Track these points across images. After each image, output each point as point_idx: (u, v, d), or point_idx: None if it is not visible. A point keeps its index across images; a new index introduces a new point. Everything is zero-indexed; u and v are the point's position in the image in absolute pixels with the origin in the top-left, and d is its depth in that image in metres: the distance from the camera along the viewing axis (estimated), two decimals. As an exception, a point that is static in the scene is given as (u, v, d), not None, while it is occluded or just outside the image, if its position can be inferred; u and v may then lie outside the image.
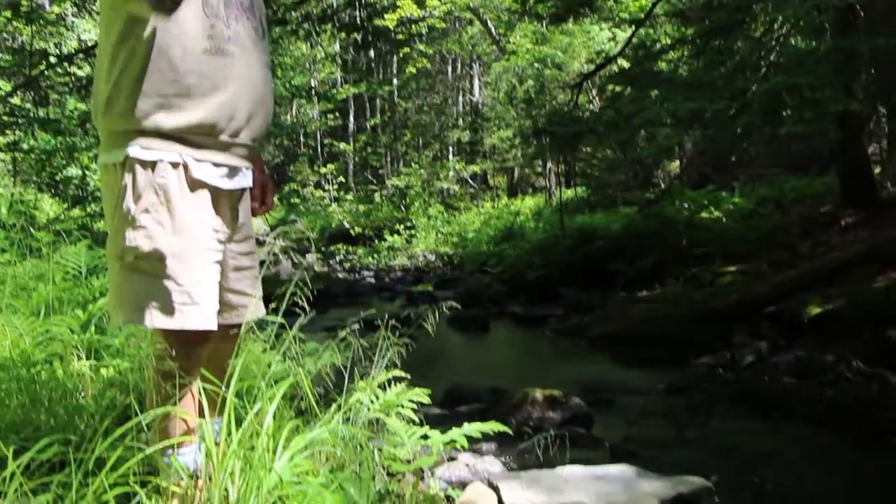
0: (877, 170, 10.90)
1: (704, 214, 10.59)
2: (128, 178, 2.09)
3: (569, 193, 17.63)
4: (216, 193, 2.21)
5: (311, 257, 17.03)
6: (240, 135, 2.23)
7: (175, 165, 2.10)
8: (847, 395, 5.12)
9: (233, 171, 2.25)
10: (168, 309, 2.11)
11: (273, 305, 2.55)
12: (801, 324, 6.58)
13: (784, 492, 3.58)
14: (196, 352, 2.23)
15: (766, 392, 5.49)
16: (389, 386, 2.98)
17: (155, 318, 2.11)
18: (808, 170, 12.54)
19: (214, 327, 2.20)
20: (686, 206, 11.24)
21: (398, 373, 3.00)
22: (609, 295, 9.79)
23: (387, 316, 3.19)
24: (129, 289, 2.12)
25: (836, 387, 5.27)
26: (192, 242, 2.14)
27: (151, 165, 2.08)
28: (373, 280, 14.47)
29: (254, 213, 2.48)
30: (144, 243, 2.09)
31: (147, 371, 2.36)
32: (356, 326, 3.29)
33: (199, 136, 2.13)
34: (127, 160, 2.08)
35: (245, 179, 2.32)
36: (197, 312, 2.14)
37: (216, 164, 2.19)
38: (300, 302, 2.70)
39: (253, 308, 2.44)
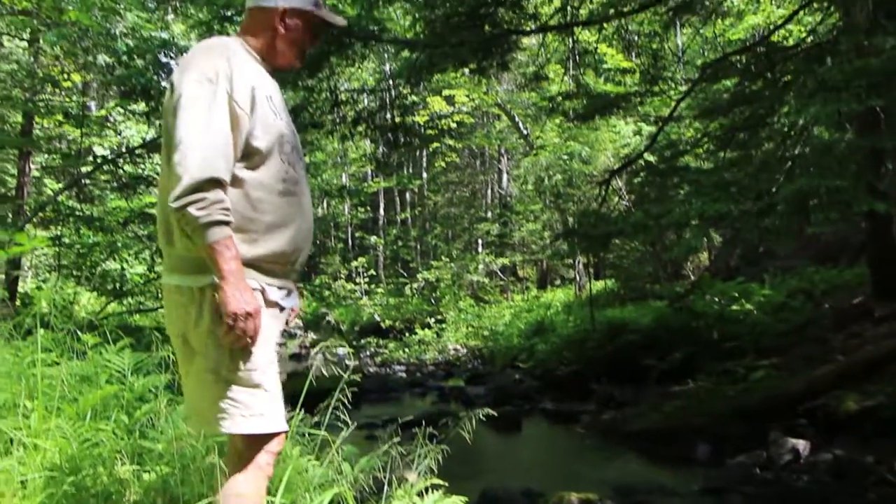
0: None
1: (735, 307, 10.56)
2: (216, 302, 2.25)
3: (598, 286, 17.63)
4: (279, 312, 2.43)
5: (343, 351, 17.11)
6: (298, 261, 2.47)
7: (253, 290, 2.29)
8: (889, 499, 5.02)
9: (289, 293, 2.48)
10: (261, 414, 2.31)
11: (316, 419, 2.64)
12: (839, 421, 6.50)
13: None
14: (278, 451, 2.41)
15: (806, 493, 5.40)
16: (427, 493, 3.02)
17: (252, 425, 2.30)
18: (838, 260, 12.50)
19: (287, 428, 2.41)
20: (716, 298, 11.22)
21: (435, 480, 3.05)
22: (641, 390, 9.72)
23: (424, 423, 3.26)
24: (229, 399, 2.29)
25: (878, 490, 5.18)
26: (273, 356, 2.37)
27: None
28: (404, 374, 14.50)
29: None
30: (245, 358, 2.29)
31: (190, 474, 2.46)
32: (392, 428, 3.36)
33: (270, 264, 2.37)
34: (212, 285, 2.26)
35: (295, 300, 2.51)
36: (280, 414, 2.36)
37: (279, 288, 2.42)
38: (341, 411, 2.79)
39: None
